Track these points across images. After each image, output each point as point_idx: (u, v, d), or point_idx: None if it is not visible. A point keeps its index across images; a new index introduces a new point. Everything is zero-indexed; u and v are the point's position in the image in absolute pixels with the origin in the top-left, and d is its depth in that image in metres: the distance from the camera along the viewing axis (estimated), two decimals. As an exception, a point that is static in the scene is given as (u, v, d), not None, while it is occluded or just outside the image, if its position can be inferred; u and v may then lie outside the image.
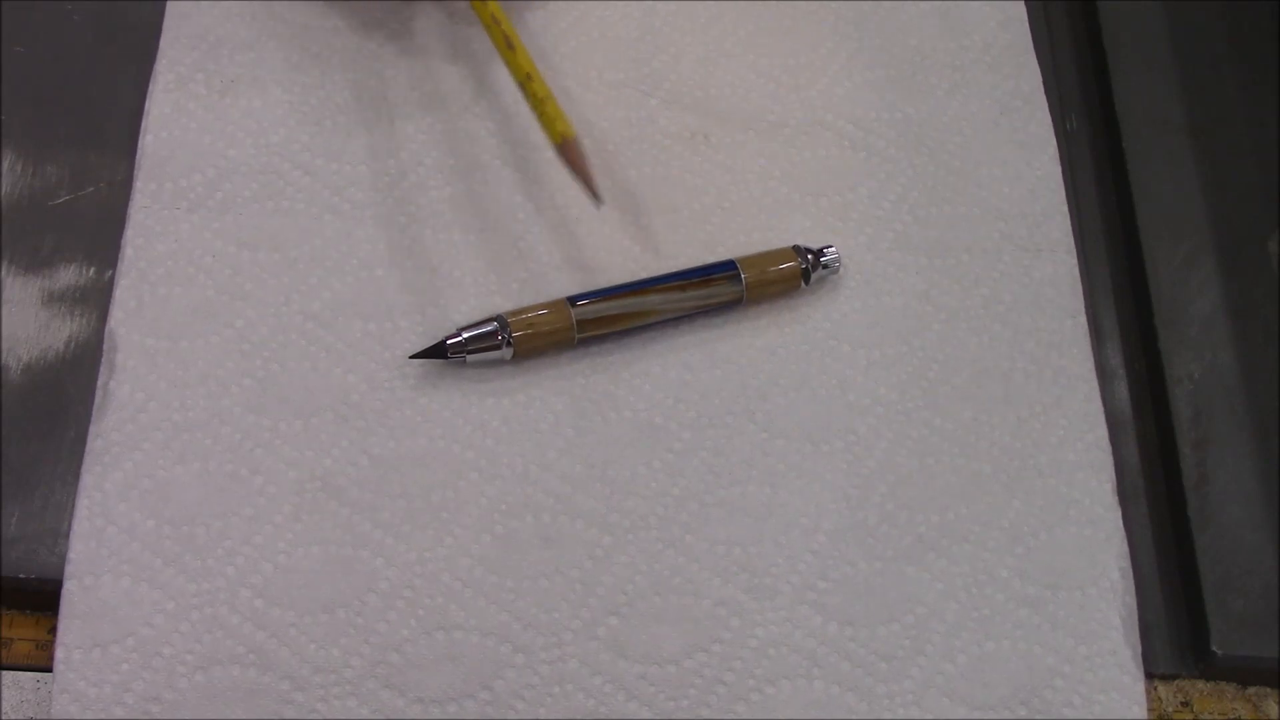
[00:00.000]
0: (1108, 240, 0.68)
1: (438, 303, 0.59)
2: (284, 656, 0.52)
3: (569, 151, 0.59)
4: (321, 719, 0.51)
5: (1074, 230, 0.65)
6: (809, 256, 0.62)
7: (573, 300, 0.59)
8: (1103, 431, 0.61)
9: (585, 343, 0.59)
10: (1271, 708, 0.58)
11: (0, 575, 0.53)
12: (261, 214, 0.60)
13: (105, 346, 0.57)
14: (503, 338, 0.57)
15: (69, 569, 0.52)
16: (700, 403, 0.59)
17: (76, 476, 0.54)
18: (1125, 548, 0.58)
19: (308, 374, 0.57)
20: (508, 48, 0.61)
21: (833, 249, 0.62)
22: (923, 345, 0.62)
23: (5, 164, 0.61)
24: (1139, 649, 0.57)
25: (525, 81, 0.60)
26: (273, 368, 0.57)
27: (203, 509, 0.54)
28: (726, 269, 0.61)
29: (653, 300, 0.59)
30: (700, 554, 0.56)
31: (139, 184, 0.60)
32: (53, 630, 0.52)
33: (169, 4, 0.65)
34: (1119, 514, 0.59)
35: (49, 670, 0.51)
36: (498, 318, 0.58)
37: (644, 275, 0.60)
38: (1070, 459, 0.60)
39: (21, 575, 0.54)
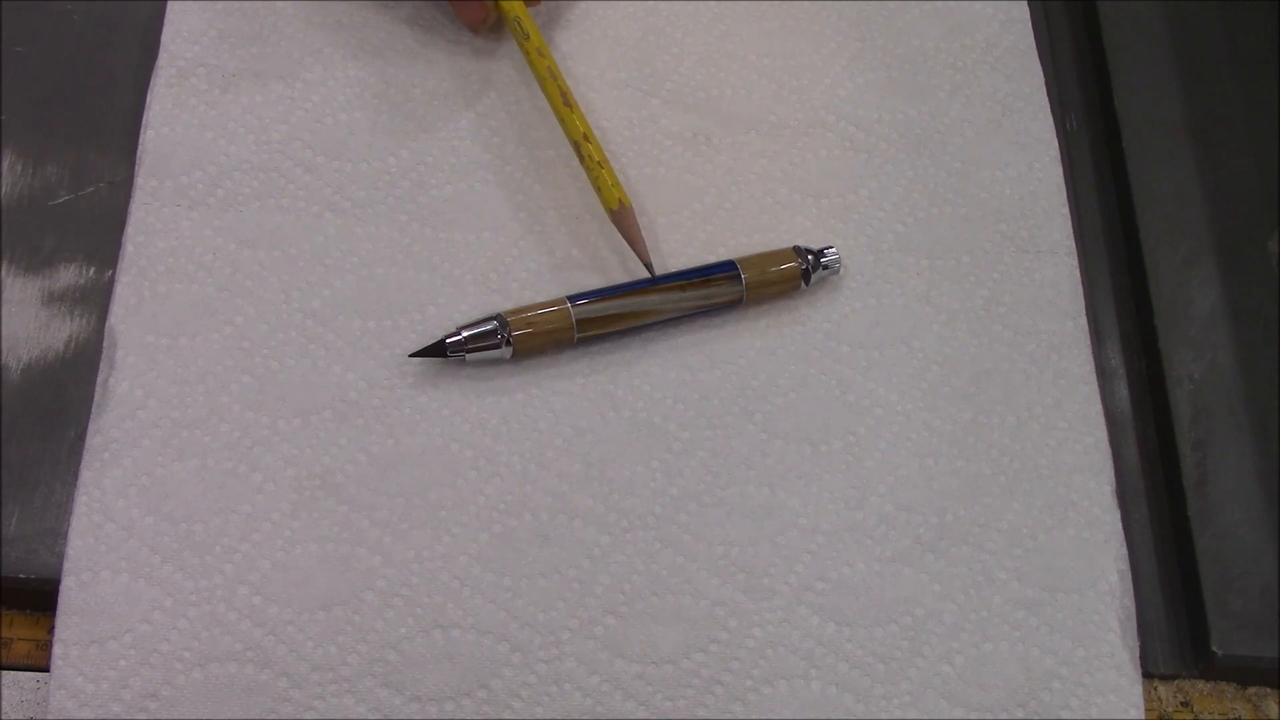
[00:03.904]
0: (1108, 240, 0.68)
1: (437, 301, 0.59)
2: (281, 654, 0.52)
3: (623, 219, 0.60)
4: (319, 717, 0.51)
5: (1074, 230, 0.65)
6: (809, 257, 0.62)
7: (573, 300, 0.59)
8: (1102, 434, 0.61)
9: (585, 342, 0.59)
10: (1271, 708, 0.58)
11: (0, 575, 0.53)
12: (262, 211, 0.60)
13: (105, 343, 0.57)
14: (502, 337, 0.57)
15: (67, 565, 0.52)
16: (699, 403, 0.59)
17: (76, 476, 0.54)
18: (1124, 550, 0.58)
19: (307, 372, 0.57)
20: (564, 104, 0.62)
21: (833, 250, 0.62)
22: (923, 347, 0.62)
23: (5, 164, 0.61)
24: (1137, 651, 0.56)
25: (581, 141, 0.61)
26: (272, 365, 0.57)
27: (201, 506, 0.54)
28: (727, 269, 0.61)
29: (653, 300, 0.59)
30: (698, 554, 0.56)
31: (140, 180, 0.60)
32: (52, 630, 0.52)
33: (170, 1, 0.65)
34: (1118, 516, 0.59)
35: (49, 670, 0.51)
36: (497, 316, 0.58)
37: (644, 275, 0.60)
38: (1069, 461, 0.60)
39: (21, 575, 0.54)
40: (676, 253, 0.62)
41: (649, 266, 0.60)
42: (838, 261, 0.62)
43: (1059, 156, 0.67)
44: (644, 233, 0.61)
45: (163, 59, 0.63)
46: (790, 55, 0.69)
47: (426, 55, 0.66)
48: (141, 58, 0.64)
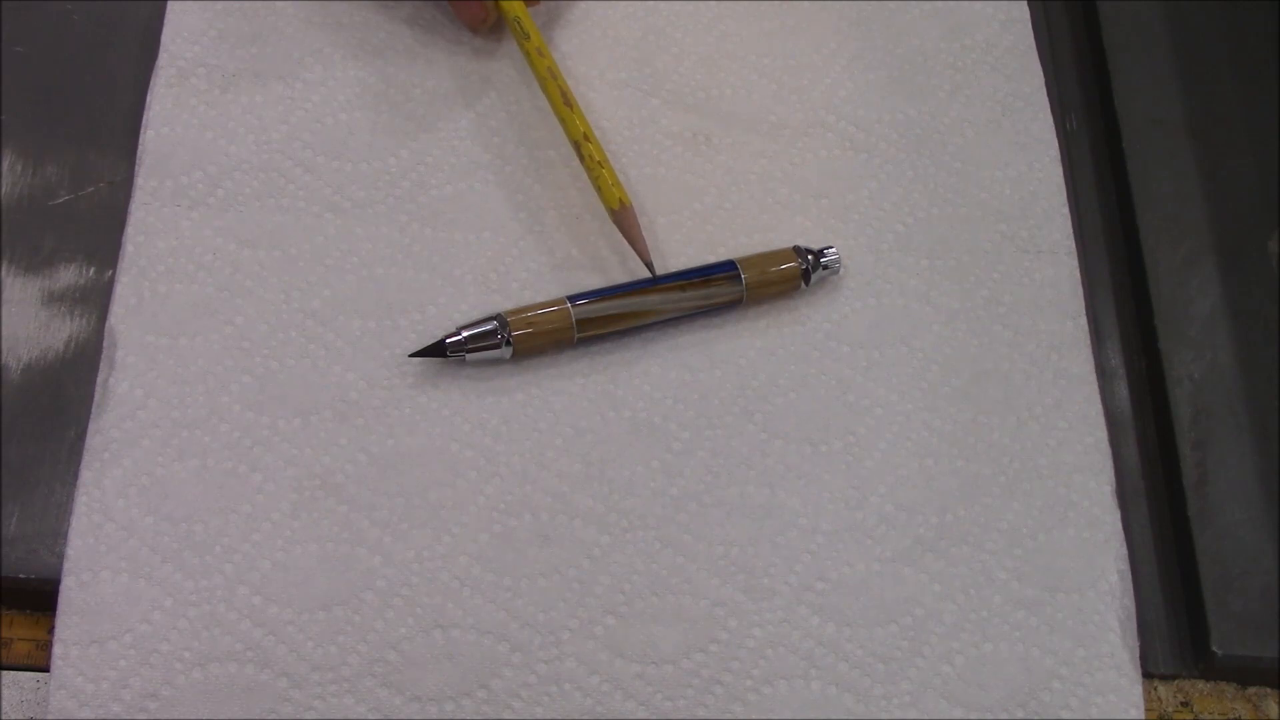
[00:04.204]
0: (1108, 240, 0.68)
1: (437, 301, 0.59)
2: (281, 654, 0.52)
3: (624, 219, 0.60)
4: (319, 717, 0.51)
5: (1074, 230, 0.65)
6: (809, 257, 0.62)
7: (573, 300, 0.59)
8: (1102, 434, 0.61)
9: (585, 342, 0.59)
10: (1271, 708, 0.58)
11: (0, 575, 0.53)
12: (262, 211, 0.60)
13: (105, 343, 0.57)
14: (502, 337, 0.57)
15: (67, 565, 0.52)
16: (699, 403, 0.59)
17: (76, 476, 0.54)
18: (1124, 550, 0.58)
19: (307, 372, 0.57)
20: (564, 104, 0.62)
21: (833, 250, 0.62)
22: (923, 346, 0.62)
23: (5, 164, 0.61)
24: (1137, 651, 0.56)
25: (581, 141, 0.61)
26: (272, 365, 0.57)
27: (201, 506, 0.54)
28: (727, 269, 0.61)
29: (653, 300, 0.59)
30: (698, 554, 0.56)
31: (140, 180, 0.60)
32: (52, 630, 0.52)
33: (170, 1, 0.65)
34: (1118, 516, 0.59)
35: (49, 670, 0.51)
36: (497, 316, 0.58)
37: (644, 275, 0.60)
38: (1069, 461, 0.60)
39: (21, 575, 0.54)
40: (676, 253, 0.62)
41: (650, 266, 0.60)
42: (838, 261, 0.62)
43: (1059, 156, 0.67)
44: (644, 233, 0.61)
45: (163, 59, 0.63)
46: (790, 55, 0.69)
47: (426, 55, 0.66)
48: (141, 58, 0.64)
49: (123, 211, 0.60)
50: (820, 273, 0.62)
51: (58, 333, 0.58)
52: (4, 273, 0.59)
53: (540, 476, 0.57)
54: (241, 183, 0.61)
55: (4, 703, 0.53)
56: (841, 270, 0.63)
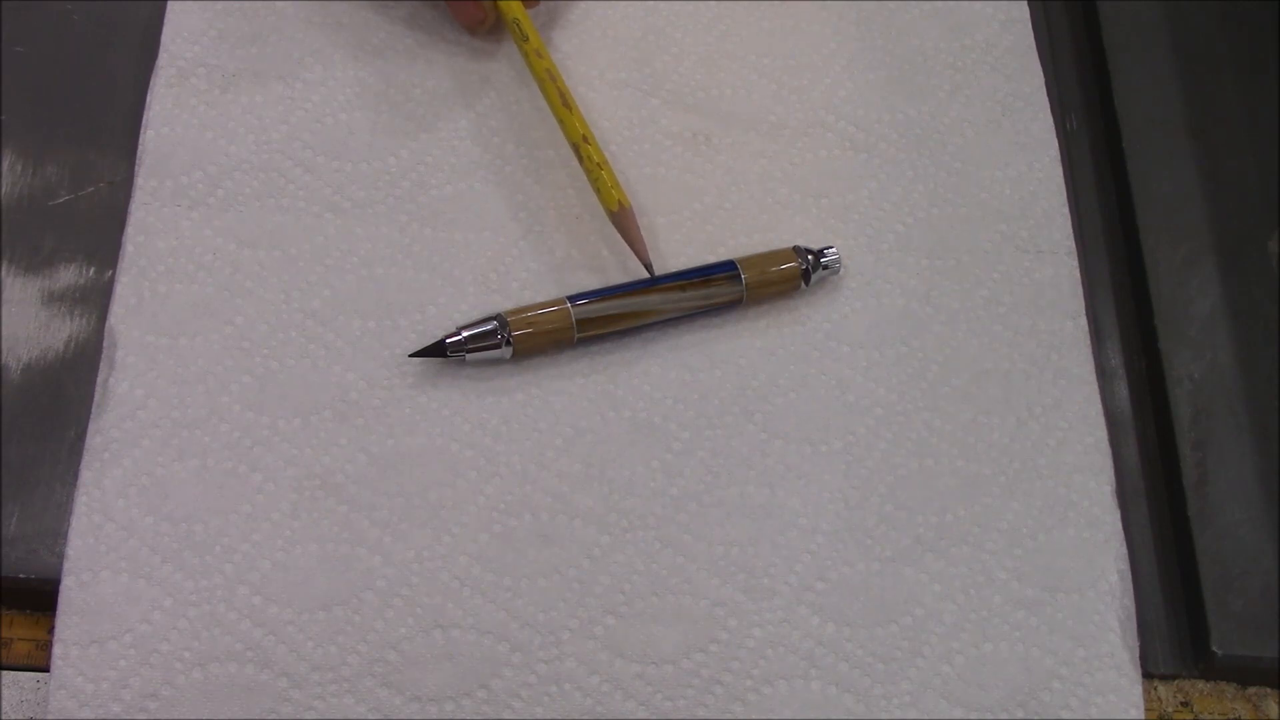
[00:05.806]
0: (1108, 240, 0.68)
1: (437, 301, 0.59)
2: (281, 654, 0.52)
3: (623, 220, 0.60)
4: (319, 717, 0.51)
5: (1074, 230, 0.65)
6: (809, 257, 0.62)
7: (573, 300, 0.59)
8: (1102, 434, 0.61)
9: (585, 342, 0.59)
10: (1271, 708, 0.58)
11: (0, 575, 0.53)
12: (262, 211, 0.60)
13: (105, 343, 0.57)
14: (502, 337, 0.57)
15: (67, 565, 0.52)
16: (699, 403, 0.59)
17: (76, 476, 0.54)
18: (1124, 550, 0.58)
19: (307, 372, 0.57)
20: (563, 106, 0.62)
21: (833, 250, 0.62)
22: (922, 346, 0.62)
23: (5, 164, 0.61)
24: (1137, 651, 0.56)
25: (581, 143, 0.61)
26: (272, 365, 0.57)
27: (201, 506, 0.54)
28: (727, 269, 0.61)
29: (653, 300, 0.59)
30: (698, 554, 0.56)
31: (140, 180, 0.60)
32: (52, 630, 0.52)
33: (170, 1, 0.65)
34: (1118, 516, 0.59)
35: (49, 670, 0.51)
36: (497, 316, 0.58)
37: (644, 275, 0.60)
38: (1069, 461, 0.60)
39: (21, 575, 0.54)
40: (676, 253, 0.62)
41: (649, 267, 0.60)
42: (838, 261, 0.62)
43: (1059, 156, 0.67)
44: (644, 233, 0.61)
45: (163, 59, 0.63)
46: (790, 55, 0.69)
47: (426, 55, 0.66)
48: (141, 58, 0.64)
49: (123, 211, 0.60)
50: (820, 273, 0.62)
51: (58, 333, 0.58)
52: (4, 273, 0.59)
53: (540, 476, 0.57)
54: (241, 183, 0.61)
55: (4, 703, 0.53)
56: (841, 270, 0.63)
